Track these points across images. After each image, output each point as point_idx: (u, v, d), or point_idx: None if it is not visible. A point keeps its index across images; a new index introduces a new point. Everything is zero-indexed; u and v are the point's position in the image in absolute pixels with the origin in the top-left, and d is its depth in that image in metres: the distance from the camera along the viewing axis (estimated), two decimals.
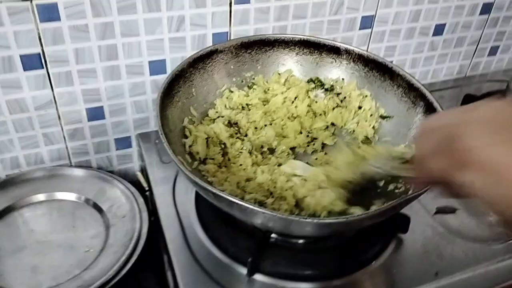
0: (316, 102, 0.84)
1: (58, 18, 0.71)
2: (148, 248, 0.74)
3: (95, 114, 0.84)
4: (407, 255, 0.71)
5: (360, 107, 0.82)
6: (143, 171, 0.90)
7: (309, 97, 0.84)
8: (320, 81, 0.86)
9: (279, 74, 0.86)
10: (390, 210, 0.58)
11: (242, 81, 0.85)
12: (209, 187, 0.53)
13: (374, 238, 0.73)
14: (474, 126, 0.35)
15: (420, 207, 0.78)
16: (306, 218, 0.51)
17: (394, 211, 0.62)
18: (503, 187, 0.33)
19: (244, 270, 0.65)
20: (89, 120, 0.85)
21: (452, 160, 0.36)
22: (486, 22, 1.10)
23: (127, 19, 0.76)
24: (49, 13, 0.70)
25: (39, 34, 0.72)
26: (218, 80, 0.82)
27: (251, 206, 0.51)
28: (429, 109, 0.72)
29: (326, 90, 0.86)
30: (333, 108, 0.83)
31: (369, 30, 0.97)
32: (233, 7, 0.82)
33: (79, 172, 0.84)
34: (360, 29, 0.96)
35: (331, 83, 0.85)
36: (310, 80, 0.86)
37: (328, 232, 0.66)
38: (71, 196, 0.81)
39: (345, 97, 0.84)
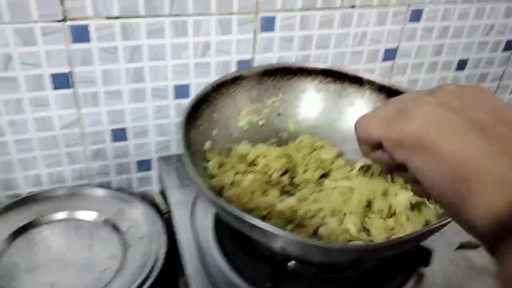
0: None
1: (88, 40, 0.73)
2: (164, 271, 0.73)
3: (119, 135, 0.86)
4: None
5: None
6: (162, 194, 0.90)
7: None
8: None
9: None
10: (412, 240, 0.56)
11: (264, 108, 0.85)
12: (230, 209, 0.53)
13: (394, 271, 0.71)
14: (421, 105, 0.35)
15: (441, 240, 0.76)
16: (325, 245, 0.51)
17: (416, 241, 0.61)
18: (444, 163, 0.31)
19: None
20: (112, 141, 0.86)
21: (394, 137, 0.36)
22: (509, 59, 1.10)
23: (155, 43, 0.77)
24: (81, 34, 0.73)
25: (69, 54, 0.74)
26: (240, 106, 0.83)
27: (271, 230, 0.50)
28: None
29: None
30: None
31: (391, 62, 0.98)
32: (258, 35, 0.84)
33: (99, 192, 0.85)
34: (383, 60, 0.96)
35: None
36: None
37: (346, 259, 0.64)
38: (90, 216, 0.81)
39: None
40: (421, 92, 0.38)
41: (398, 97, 0.39)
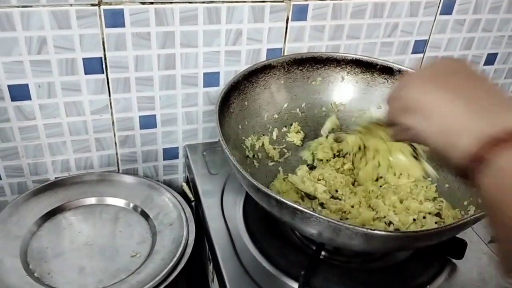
0: None
1: (122, 25, 0.73)
2: (193, 257, 0.73)
3: (148, 122, 0.85)
4: (462, 282, 0.68)
5: None
6: (189, 182, 0.90)
7: None
8: None
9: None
10: (448, 231, 0.56)
11: (293, 96, 0.85)
12: (273, 194, 0.52)
13: (427, 263, 0.70)
14: (417, 79, 0.45)
15: (474, 234, 0.75)
16: (372, 229, 0.50)
17: (451, 233, 0.60)
18: (434, 123, 0.42)
19: (293, 284, 0.64)
20: (141, 128, 0.86)
21: (398, 106, 0.46)
22: None
23: (187, 30, 0.77)
24: (115, 19, 0.72)
25: (103, 39, 0.74)
26: (268, 95, 0.83)
27: (317, 215, 0.50)
28: None
29: None
30: None
31: (421, 55, 0.97)
32: (290, 23, 0.83)
33: (127, 178, 0.85)
34: (412, 53, 0.95)
35: None
36: None
37: (386, 248, 0.64)
38: (119, 202, 0.81)
39: None
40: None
41: (405, 76, 0.49)
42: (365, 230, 0.48)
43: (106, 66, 0.76)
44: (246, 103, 0.79)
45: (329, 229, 0.50)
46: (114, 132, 0.84)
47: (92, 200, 0.82)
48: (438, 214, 0.71)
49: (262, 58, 0.86)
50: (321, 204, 0.72)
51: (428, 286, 0.66)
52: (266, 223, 0.74)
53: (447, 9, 0.92)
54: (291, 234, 0.73)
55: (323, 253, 0.69)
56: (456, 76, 0.43)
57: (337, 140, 0.83)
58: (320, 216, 0.49)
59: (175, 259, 0.70)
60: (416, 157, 0.74)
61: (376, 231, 0.49)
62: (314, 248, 0.66)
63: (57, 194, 0.81)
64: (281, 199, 0.52)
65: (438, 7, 0.91)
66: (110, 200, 0.82)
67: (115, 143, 0.86)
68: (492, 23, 0.98)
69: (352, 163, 0.79)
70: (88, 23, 0.72)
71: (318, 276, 0.65)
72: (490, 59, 1.05)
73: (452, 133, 0.40)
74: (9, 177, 0.84)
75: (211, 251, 0.71)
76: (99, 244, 0.75)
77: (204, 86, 0.85)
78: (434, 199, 0.75)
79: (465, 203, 0.71)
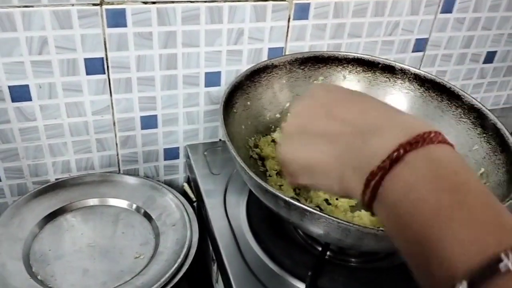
0: None
1: (124, 24, 0.73)
2: (197, 258, 0.73)
3: (149, 122, 0.85)
4: None
5: None
6: (190, 182, 0.89)
7: None
8: None
9: None
10: None
11: (296, 95, 0.85)
12: (282, 195, 0.52)
13: None
14: (283, 143, 0.44)
15: None
16: (383, 230, 0.50)
17: None
18: (322, 178, 0.40)
19: (299, 284, 0.64)
20: (142, 128, 0.85)
21: (286, 171, 0.45)
22: None
23: (189, 29, 0.77)
24: (117, 19, 0.72)
25: (104, 39, 0.73)
26: (271, 94, 0.83)
27: (327, 216, 0.49)
28: (492, 130, 0.71)
29: None
30: None
31: (421, 53, 0.97)
32: (291, 22, 0.83)
33: (129, 179, 0.84)
34: (413, 51, 0.96)
35: None
36: None
37: (390, 248, 0.63)
38: (121, 203, 0.81)
39: None
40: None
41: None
42: (375, 231, 0.48)
43: (107, 66, 0.76)
44: (249, 103, 0.78)
45: (338, 230, 0.50)
46: (115, 132, 0.84)
47: (93, 201, 0.81)
48: None
49: (264, 58, 0.86)
50: (326, 200, 0.72)
51: None
52: (270, 223, 0.73)
53: (448, 7, 0.93)
54: (295, 234, 0.73)
55: (328, 253, 0.68)
56: (321, 119, 0.41)
57: None
58: (330, 217, 0.48)
59: (179, 260, 0.69)
60: None
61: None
62: (320, 248, 0.66)
63: (58, 196, 0.81)
64: (290, 200, 0.51)
65: (439, 5, 0.91)
66: (112, 201, 0.81)
67: (116, 144, 0.85)
68: (492, 21, 0.98)
69: None
70: (89, 23, 0.71)
71: (324, 276, 0.64)
72: (490, 57, 1.05)
73: (342, 180, 0.38)
74: (9, 178, 0.83)
75: (215, 252, 0.71)
76: (101, 245, 0.74)
77: (206, 86, 0.85)
78: None
79: None
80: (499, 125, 0.70)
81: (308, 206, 0.50)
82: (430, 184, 0.31)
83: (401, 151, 0.33)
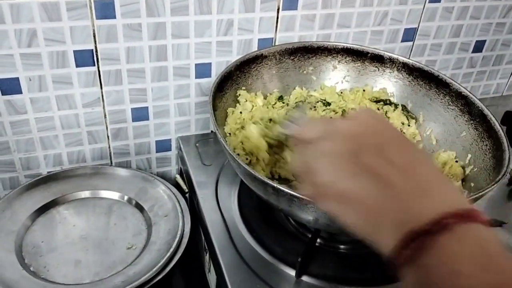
0: None
1: (113, 16, 0.73)
2: (189, 248, 0.73)
3: (140, 114, 0.85)
4: None
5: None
6: (182, 174, 0.90)
7: None
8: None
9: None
10: None
11: (286, 85, 0.85)
12: (270, 182, 0.53)
13: None
14: (324, 161, 0.40)
15: None
16: None
17: None
18: (353, 213, 0.38)
19: (290, 271, 0.65)
20: (133, 120, 0.85)
21: (316, 192, 0.41)
22: None
23: (179, 20, 0.77)
24: (106, 11, 0.72)
25: (94, 31, 0.73)
26: (261, 85, 0.83)
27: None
28: (479, 116, 0.71)
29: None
30: None
31: (410, 43, 0.98)
32: (281, 13, 0.83)
33: (121, 171, 0.84)
34: (402, 41, 0.96)
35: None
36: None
37: None
38: (113, 195, 0.81)
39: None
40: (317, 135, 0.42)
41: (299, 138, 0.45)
42: None
43: (97, 58, 0.76)
44: (238, 92, 0.79)
45: (326, 215, 0.51)
46: (106, 125, 0.84)
47: (86, 194, 0.81)
48: None
49: (254, 48, 0.86)
50: None
51: None
52: (261, 212, 0.74)
53: None
54: (286, 222, 0.73)
55: (318, 240, 0.69)
56: (365, 150, 0.38)
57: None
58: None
59: (171, 249, 0.70)
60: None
61: None
62: (310, 235, 0.67)
63: (50, 188, 0.81)
64: (278, 186, 0.52)
65: None
66: (104, 193, 0.81)
67: (108, 136, 0.86)
68: (480, 10, 0.99)
69: None
70: (78, 15, 0.71)
71: (314, 262, 0.65)
72: (479, 46, 1.06)
73: (373, 225, 0.37)
74: (1, 172, 0.83)
75: (207, 242, 0.72)
76: (94, 237, 0.75)
77: (196, 77, 0.85)
78: None
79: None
80: (486, 111, 0.70)
81: (296, 192, 0.51)
82: (476, 260, 0.31)
83: (450, 220, 0.32)
